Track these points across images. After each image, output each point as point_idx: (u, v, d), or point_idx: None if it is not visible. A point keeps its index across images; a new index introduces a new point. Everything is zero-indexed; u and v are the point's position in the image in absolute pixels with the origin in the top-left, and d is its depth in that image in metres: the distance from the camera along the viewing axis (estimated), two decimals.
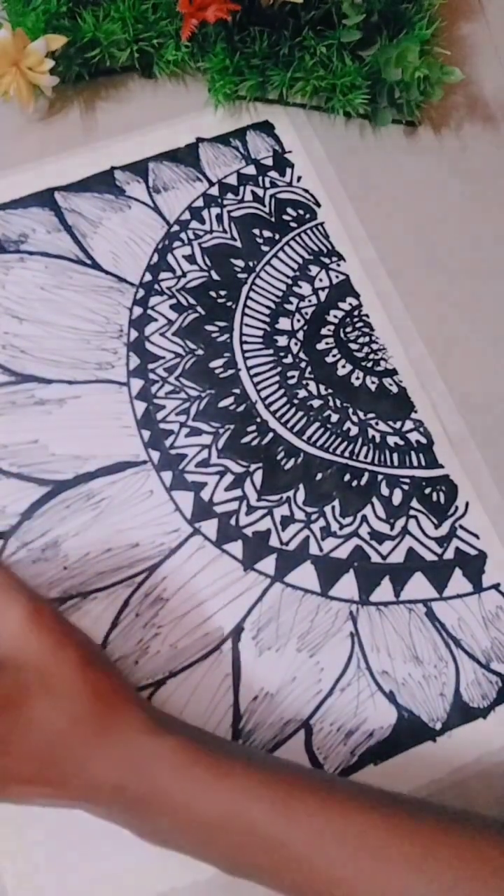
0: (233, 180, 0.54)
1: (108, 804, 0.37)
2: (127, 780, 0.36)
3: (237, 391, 0.49)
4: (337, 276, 0.52)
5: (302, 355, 0.51)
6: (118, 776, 0.36)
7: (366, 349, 0.51)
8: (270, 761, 0.40)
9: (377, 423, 0.49)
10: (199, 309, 0.51)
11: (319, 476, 0.48)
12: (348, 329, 0.51)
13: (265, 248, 0.53)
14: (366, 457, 0.48)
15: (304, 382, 0.50)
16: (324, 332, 0.51)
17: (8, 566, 0.44)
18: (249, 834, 0.36)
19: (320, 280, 0.52)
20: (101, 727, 0.37)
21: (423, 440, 0.49)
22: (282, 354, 0.50)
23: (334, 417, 0.49)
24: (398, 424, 0.49)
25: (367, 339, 0.51)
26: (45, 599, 0.39)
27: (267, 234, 0.53)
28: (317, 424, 0.49)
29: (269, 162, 0.55)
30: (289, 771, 0.39)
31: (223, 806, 0.36)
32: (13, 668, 0.37)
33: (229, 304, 0.51)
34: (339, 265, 0.52)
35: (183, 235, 0.53)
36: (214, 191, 0.54)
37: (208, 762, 0.37)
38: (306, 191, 0.54)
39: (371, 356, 0.51)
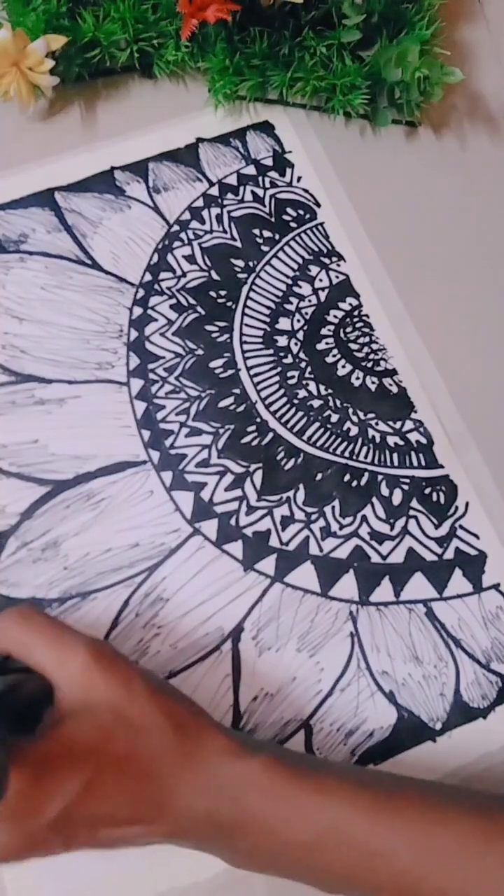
0: (233, 180, 0.54)
1: (200, 834, 0.36)
2: (218, 806, 0.35)
3: (237, 391, 0.49)
4: (337, 276, 0.52)
5: (302, 355, 0.51)
6: (209, 803, 0.35)
7: (366, 349, 0.51)
8: (354, 771, 0.39)
9: (377, 423, 0.49)
10: (199, 309, 0.51)
11: (319, 476, 0.48)
12: (348, 329, 0.51)
13: (265, 249, 0.53)
14: (366, 457, 0.48)
15: (304, 382, 0.50)
16: (324, 332, 0.51)
17: (55, 616, 0.43)
18: (348, 849, 0.35)
19: (320, 280, 0.52)
20: (186, 756, 0.36)
21: (423, 440, 0.49)
22: (282, 354, 0.50)
23: (334, 417, 0.49)
24: (398, 424, 0.49)
25: (367, 339, 0.51)
26: (100, 640, 0.38)
27: (267, 234, 0.53)
28: (317, 424, 0.49)
29: (269, 162, 0.55)
30: (377, 779, 0.38)
31: (320, 824, 0.35)
32: (87, 713, 0.36)
33: (229, 304, 0.51)
34: (339, 265, 0.52)
35: (183, 235, 0.53)
36: (214, 191, 0.54)
37: (298, 780, 0.36)
38: (306, 191, 0.54)
39: (371, 356, 0.51)
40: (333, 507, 0.47)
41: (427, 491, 0.48)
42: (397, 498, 0.48)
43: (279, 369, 0.50)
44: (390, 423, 0.49)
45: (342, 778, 0.37)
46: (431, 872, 0.35)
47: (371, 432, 0.49)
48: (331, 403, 0.50)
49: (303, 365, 0.50)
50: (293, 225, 0.53)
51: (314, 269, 0.52)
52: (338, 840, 0.35)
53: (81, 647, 0.37)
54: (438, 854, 0.35)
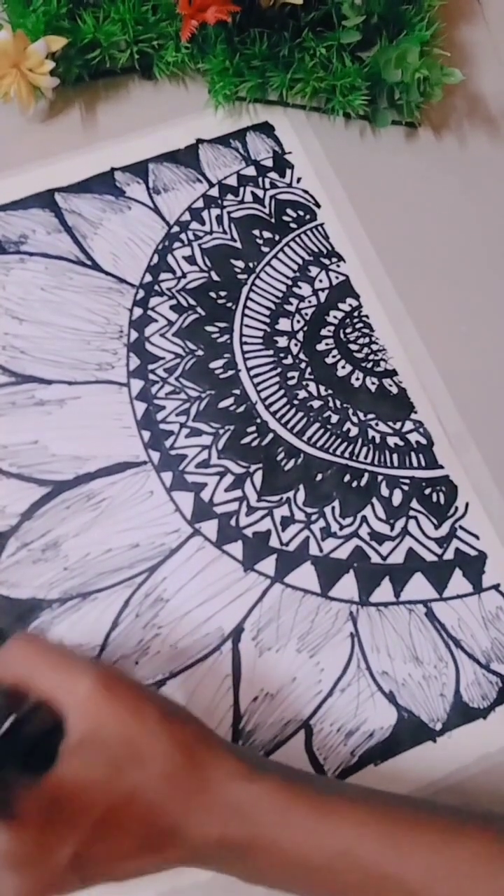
0: (233, 181, 0.54)
1: (213, 857, 0.36)
2: (230, 830, 0.35)
3: (237, 392, 0.49)
4: (337, 277, 0.52)
5: (302, 356, 0.51)
6: (221, 828, 0.35)
7: (366, 350, 0.51)
8: (364, 792, 0.39)
9: (377, 424, 0.49)
10: (199, 310, 0.51)
11: (319, 477, 0.48)
12: (348, 330, 0.51)
13: (265, 249, 0.53)
14: (366, 457, 0.49)
15: (304, 383, 0.50)
16: (324, 332, 0.51)
17: (60, 641, 0.42)
18: (360, 872, 0.35)
19: (320, 281, 0.52)
20: (197, 780, 0.36)
21: (423, 441, 0.49)
22: (282, 355, 0.51)
23: (334, 418, 0.49)
24: (398, 425, 0.49)
25: (366, 339, 0.51)
26: (107, 664, 0.38)
27: (267, 234, 0.53)
28: (317, 425, 0.49)
29: (269, 163, 0.55)
30: (385, 801, 0.38)
31: (331, 847, 0.35)
32: (96, 744, 0.35)
33: (229, 304, 0.51)
34: (338, 266, 0.53)
35: (183, 236, 0.53)
36: (214, 192, 0.54)
37: (309, 802, 0.36)
38: (306, 192, 0.54)
39: (371, 357, 0.51)
40: (333, 508, 0.47)
41: (427, 491, 0.48)
42: (397, 498, 0.48)
43: (279, 370, 0.50)
44: (390, 423, 0.49)
45: (352, 800, 0.37)
46: (444, 894, 0.35)
47: (371, 433, 0.49)
48: (331, 404, 0.50)
49: (303, 366, 0.50)
50: (293, 226, 0.53)
51: (314, 270, 0.52)
52: (349, 863, 0.35)
53: (88, 673, 0.36)
54: (450, 875, 0.35)
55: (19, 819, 0.33)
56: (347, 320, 0.51)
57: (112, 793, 0.35)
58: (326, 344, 0.51)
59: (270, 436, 0.49)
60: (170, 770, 0.35)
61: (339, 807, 0.36)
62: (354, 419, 0.49)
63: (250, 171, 0.54)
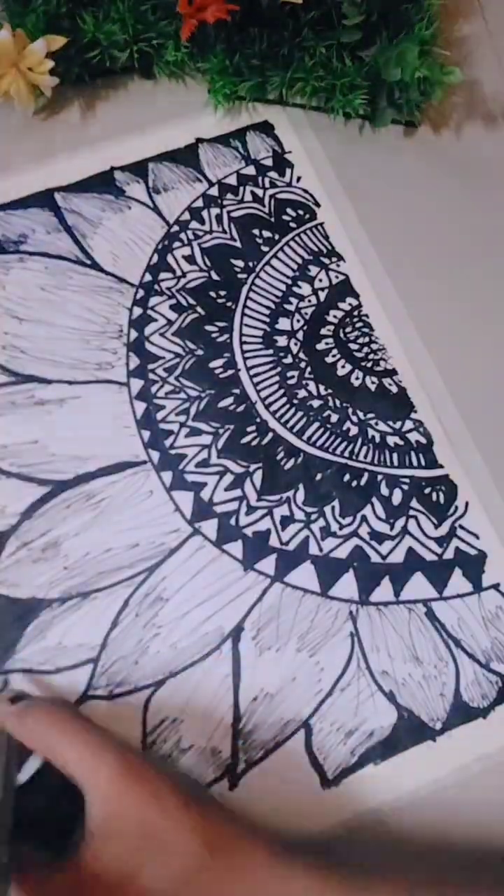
0: (232, 181, 0.54)
1: None
2: None
3: (237, 391, 0.49)
4: (336, 277, 0.52)
5: (302, 355, 0.51)
6: None
7: (365, 349, 0.51)
8: (393, 881, 0.37)
9: (377, 423, 0.49)
10: (198, 309, 0.51)
11: (319, 476, 0.48)
12: (348, 329, 0.51)
13: (265, 249, 0.53)
14: (365, 457, 0.48)
15: (304, 382, 0.50)
16: (323, 332, 0.51)
17: (87, 718, 0.40)
18: None
19: (320, 280, 0.52)
20: (224, 872, 0.35)
21: (423, 440, 0.49)
22: (281, 354, 0.51)
23: (334, 417, 0.49)
24: (398, 424, 0.49)
25: (366, 339, 0.51)
26: (129, 748, 0.37)
27: (267, 234, 0.53)
28: (316, 424, 0.49)
29: (269, 162, 0.55)
30: (417, 883, 0.37)
31: None
32: (115, 835, 0.35)
33: (229, 304, 0.51)
34: (338, 265, 0.52)
35: (183, 236, 0.53)
36: (214, 191, 0.54)
37: (340, 890, 0.35)
38: (306, 191, 0.54)
39: (371, 356, 0.51)
40: (333, 507, 0.47)
41: (427, 491, 0.48)
42: (397, 498, 0.48)
43: (279, 369, 0.50)
44: (390, 422, 0.49)
45: (385, 881, 0.36)
46: None
47: (371, 432, 0.49)
48: (330, 403, 0.50)
49: (302, 365, 0.50)
50: (293, 225, 0.53)
51: (314, 270, 0.52)
52: None
53: (110, 757, 0.36)
54: None
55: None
56: (347, 319, 0.51)
57: (133, 885, 0.34)
58: (326, 343, 0.51)
59: (270, 435, 0.49)
60: (190, 862, 0.35)
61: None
62: (354, 418, 0.49)
63: (250, 170, 0.54)
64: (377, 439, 0.49)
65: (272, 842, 0.37)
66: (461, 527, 0.48)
